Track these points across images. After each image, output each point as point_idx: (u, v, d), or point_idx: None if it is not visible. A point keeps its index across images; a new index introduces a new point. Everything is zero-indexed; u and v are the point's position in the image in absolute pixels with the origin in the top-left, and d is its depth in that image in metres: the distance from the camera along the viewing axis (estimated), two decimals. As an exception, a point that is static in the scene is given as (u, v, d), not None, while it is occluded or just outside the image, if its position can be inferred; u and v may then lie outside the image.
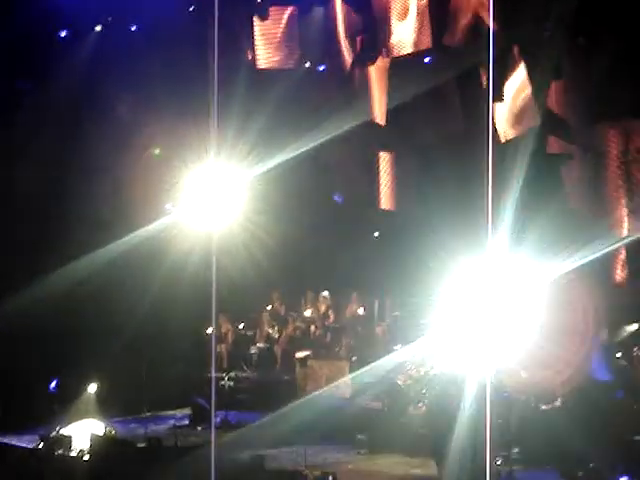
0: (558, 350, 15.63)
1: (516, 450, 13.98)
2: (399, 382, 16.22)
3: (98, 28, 18.49)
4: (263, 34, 17.97)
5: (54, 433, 15.14)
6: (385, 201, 17.84)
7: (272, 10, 17.83)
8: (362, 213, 19.16)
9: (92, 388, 17.11)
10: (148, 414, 17.03)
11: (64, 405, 16.89)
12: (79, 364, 17.21)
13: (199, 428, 16.76)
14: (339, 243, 19.42)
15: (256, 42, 17.97)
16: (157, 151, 18.72)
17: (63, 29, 18.58)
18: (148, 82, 17.77)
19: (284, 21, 17.85)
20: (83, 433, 15.20)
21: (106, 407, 16.66)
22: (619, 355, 15.44)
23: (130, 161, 18.40)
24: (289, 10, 17.83)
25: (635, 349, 15.25)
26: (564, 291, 15.31)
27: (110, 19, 18.51)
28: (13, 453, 15.08)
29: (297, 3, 17.91)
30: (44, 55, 18.20)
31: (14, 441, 15.69)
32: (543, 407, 14.29)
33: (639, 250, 15.16)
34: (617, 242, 14.76)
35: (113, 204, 18.53)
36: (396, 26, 16.13)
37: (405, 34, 16.05)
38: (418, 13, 15.95)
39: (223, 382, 17.52)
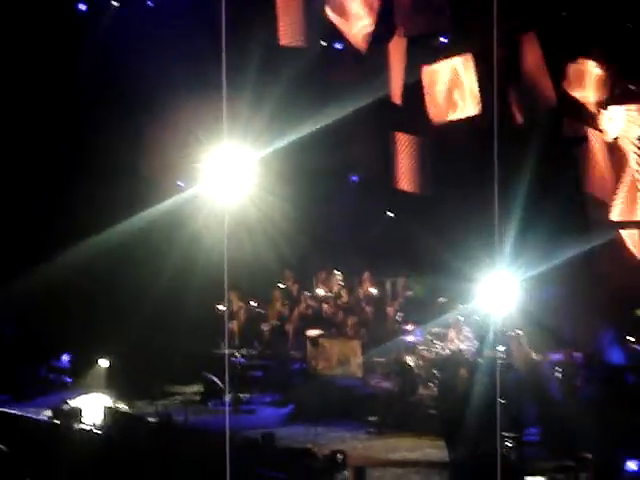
0: (571, 333, 15.62)
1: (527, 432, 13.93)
2: (410, 362, 16.23)
3: (115, 3, 18.50)
4: (283, 10, 17.86)
5: (65, 405, 15.23)
6: (401, 182, 17.77)
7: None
8: (377, 193, 19.12)
9: (104, 362, 17.20)
10: (159, 389, 17.15)
11: (75, 378, 17.04)
12: (92, 338, 17.30)
13: (210, 404, 16.82)
14: (353, 222, 19.43)
15: (276, 18, 17.87)
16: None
17: (81, 2, 18.61)
18: (164, 58, 17.75)
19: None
20: (93, 407, 15.30)
21: (117, 381, 16.77)
22: (632, 339, 15.40)
23: (144, 138, 18.38)
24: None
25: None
26: (578, 274, 15.28)
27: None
28: (26, 424, 15.20)
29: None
30: (63, 27, 18.21)
31: (22, 412, 15.80)
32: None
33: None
34: (631, 225, 14.68)
35: (127, 181, 18.47)
36: (413, 5, 16.02)
37: (422, 13, 15.93)
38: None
39: (234, 359, 17.54)
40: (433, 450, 14.14)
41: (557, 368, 14.71)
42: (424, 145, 17.29)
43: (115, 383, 16.82)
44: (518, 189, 14.60)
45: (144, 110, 18.37)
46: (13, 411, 15.83)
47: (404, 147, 17.62)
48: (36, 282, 17.23)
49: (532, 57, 15.22)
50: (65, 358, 17.56)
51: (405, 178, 17.55)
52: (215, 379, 16.82)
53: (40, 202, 18.45)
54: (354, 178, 20.22)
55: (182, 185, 18.67)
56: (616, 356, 15.06)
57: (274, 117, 17.37)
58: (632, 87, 15.06)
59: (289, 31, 17.54)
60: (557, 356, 15.15)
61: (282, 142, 17.01)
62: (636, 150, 14.75)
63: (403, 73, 16.59)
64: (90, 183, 18.37)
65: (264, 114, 17.32)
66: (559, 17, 15.00)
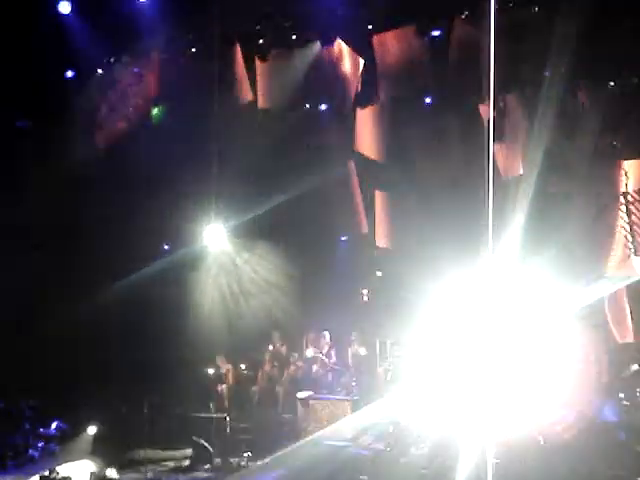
0: (564, 394, 15.57)
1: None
2: (401, 422, 16.13)
3: (100, 70, 18.59)
4: (264, 75, 18.05)
5: (53, 474, 15.07)
6: (383, 240, 17.84)
7: (273, 51, 17.94)
8: (364, 252, 19.15)
9: (92, 429, 17.05)
10: (148, 454, 16.98)
11: (62, 445, 16.87)
12: (79, 405, 17.17)
13: (200, 469, 16.65)
14: (341, 282, 19.40)
15: (258, 83, 18.06)
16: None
17: (69, 69, 18.68)
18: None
19: (285, 62, 17.93)
20: (81, 474, 15.13)
21: (106, 447, 16.60)
22: (622, 395, 15.36)
23: (131, 204, 18.36)
24: (290, 51, 17.92)
25: (638, 390, 15.15)
26: (567, 333, 15.26)
27: (112, 60, 18.61)
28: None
29: (298, 44, 18.00)
30: (51, 93, 18.25)
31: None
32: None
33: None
34: (619, 282, 14.73)
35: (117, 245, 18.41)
36: (396, 66, 16.23)
37: (405, 75, 16.14)
38: (417, 55, 16.06)
39: (224, 422, 17.41)
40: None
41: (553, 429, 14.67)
42: (406, 203, 17.41)
43: (103, 449, 16.65)
44: (506, 247, 14.64)
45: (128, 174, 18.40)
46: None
47: (385, 205, 17.73)
48: (25, 350, 17.23)
49: (516, 115, 15.41)
50: (54, 425, 17.40)
51: (387, 236, 17.64)
52: (205, 443, 16.69)
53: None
54: (343, 238, 20.25)
55: (169, 247, 18.68)
56: (608, 414, 15.02)
57: (260, 180, 17.46)
58: (615, 143, 15.24)
59: (267, 95, 17.75)
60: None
61: (269, 203, 17.12)
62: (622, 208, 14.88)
63: (385, 133, 16.78)
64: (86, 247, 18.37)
65: (250, 177, 17.42)
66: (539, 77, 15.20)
